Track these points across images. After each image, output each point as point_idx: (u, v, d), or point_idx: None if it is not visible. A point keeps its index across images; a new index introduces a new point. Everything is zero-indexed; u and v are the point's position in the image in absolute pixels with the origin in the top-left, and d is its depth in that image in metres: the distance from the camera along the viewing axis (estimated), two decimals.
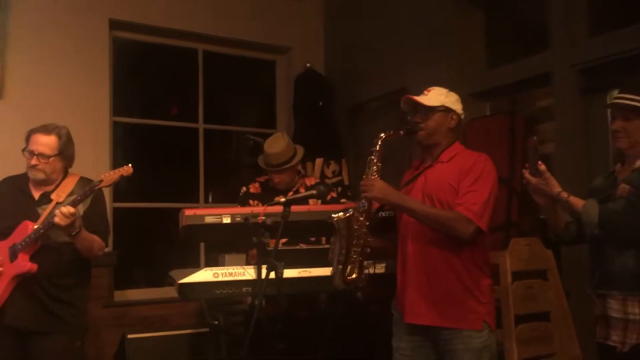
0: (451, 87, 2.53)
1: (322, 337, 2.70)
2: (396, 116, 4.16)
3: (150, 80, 4.83)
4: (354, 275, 2.30)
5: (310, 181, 3.42)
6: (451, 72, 3.75)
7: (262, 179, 3.49)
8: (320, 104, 4.66)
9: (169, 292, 4.38)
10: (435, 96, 2.41)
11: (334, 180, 4.46)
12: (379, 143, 2.38)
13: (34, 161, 2.80)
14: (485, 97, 3.78)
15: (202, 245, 4.59)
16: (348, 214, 2.29)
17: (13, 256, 2.70)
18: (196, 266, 4.44)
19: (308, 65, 4.73)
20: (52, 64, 3.98)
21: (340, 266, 2.29)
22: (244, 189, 3.39)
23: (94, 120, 4.11)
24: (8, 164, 3.03)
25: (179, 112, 4.94)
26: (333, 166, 4.54)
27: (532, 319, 2.83)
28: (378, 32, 4.44)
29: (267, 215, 2.52)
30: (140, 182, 4.69)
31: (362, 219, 2.31)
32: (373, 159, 2.37)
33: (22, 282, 2.71)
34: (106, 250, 3.96)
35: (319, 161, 4.44)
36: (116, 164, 4.14)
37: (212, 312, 3.92)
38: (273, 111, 5.11)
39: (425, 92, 2.45)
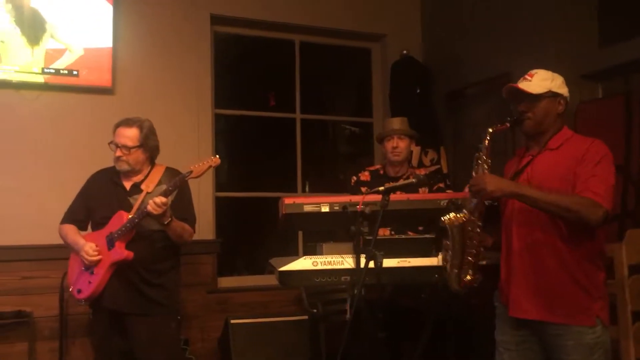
0: (560, 68, 2.36)
1: (422, 327, 2.64)
2: (498, 102, 3.99)
3: (247, 72, 4.94)
4: (468, 277, 2.24)
5: (420, 172, 3.37)
6: (559, 52, 3.53)
7: (372, 167, 3.50)
8: (418, 91, 4.55)
9: (269, 279, 4.47)
10: (540, 82, 2.26)
11: (432, 168, 4.34)
12: (487, 138, 2.27)
13: (117, 153, 2.96)
14: (597, 78, 3.52)
15: (301, 233, 4.65)
16: (461, 218, 2.21)
17: (110, 244, 2.87)
18: (295, 255, 4.55)
19: (404, 52, 4.63)
20: (158, 60, 4.17)
21: (456, 270, 2.24)
22: (354, 178, 3.41)
23: (197, 112, 4.26)
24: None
25: (276, 103, 5.03)
26: (431, 154, 4.43)
27: None
28: (478, 13, 4.27)
29: (366, 204, 2.48)
30: (241, 172, 4.83)
31: (474, 218, 2.22)
32: (481, 155, 2.26)
33: (119, 268, 2.88)
34: (209, 238, 4.17)
35: (416, 149, 4.34)
36: (219, 155, 4.26)
37: (311, 300, 3.98)
38: (369, 100, 5.07)
39: (528, 76, 2.30)
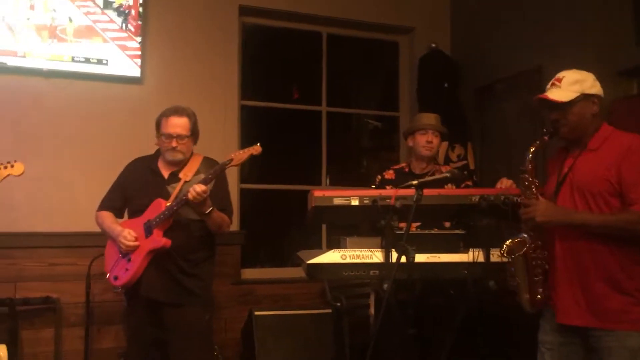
0: (595, 64, 2.32)
1: (451, 325, 2.62)
2: (528, 97, 3.95)
3: (273, 64, 4.92)
4: (539, 297, 2.26)
5: (445, 169, 3.33)
6: (595, 48, 3.45)
7: (396, 166, 3.46)
8: (446, 85, 4.50)
9: (292, 272, 4.48)
10: (569, 86, 2.21)
11: (459, 164, 4.31)
12: (530, 158, 2.25)
13: (174, 143, 2.92)
14: (633, 74, 3.44)
15: (324, 227, 4.63)
16: (520, 245, 2.22)
17: (148, 232, 2.86)
18: (318, 248, 4.54)
19: (433, 45, 4.58)
20: (186, 50, 4.17)
21: (527, 295, 2.25)
22: (379, 177, 3.37)
23: (224, 104, 4.25)
24: (146, 145, 3.21)
25: (301, 96, 5.01)
26: (458, 150, 4.38)
27: None
28: (510, 6, 4.20)
29: (397, 198, 2.46)
30: (265, 164, 4.82)
31: (531, 240, 2.23)
32: (527, 177, 2.24)
33: (156, 256, 2.86)
34: (234, 229, 4.17)
35: (443, 144, 4.28)
36: (243, 146, 4.26)
37: (334, 293, 3.96)
38: (396, 94, 5.02)
39: (556, 82, 2.25)
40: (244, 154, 2.79)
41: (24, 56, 3.71)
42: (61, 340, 3.70)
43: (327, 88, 4.78)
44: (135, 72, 3.94)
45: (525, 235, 2.24)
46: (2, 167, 2.50)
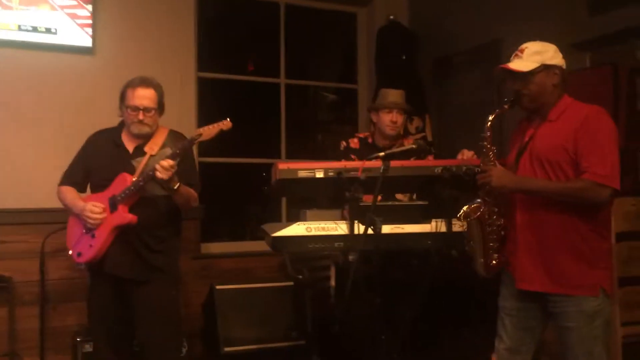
0: (549, 37, 2.36)
1: (415, 295, 2.67)
2: (486, 69, 4.00)
3: (230, 35, 4.82)
4: (494, 262, 2.30)
5: (408, 142, 3.35)
6: (549, 20, 3.52)
7: (361, 135, 3.45)
8: (404, 57, 4.51)
9: (252, 245, 4.48)
10: (530, 56, 2.26)
11: (417, 136, 4.34)
12: (489, 125, 2.29)
13: (140, 116, 2.81)
14: (586, 47, 3.53)
15: (284, 200, 4.63)
16: (476, 209, 2.27)
17: (113, 207, 2.77)
18: (278, 221, 4.54)
19: (391, 17, 4.57)
20: (140, 19, 4.02)
21: (482, 259, 2.30)
22: (344, 143, 3.36)
23: (180, 75, 4.14)
24: (99, 118, 3.12)
25: (258, 68, 4.93)
26: (416, 122, 4.42)
27: (637, 282, 2.69)
28: None
29: (362, 170, 2.47)
30: (224, 137, 4.75)
31: (488, 206, 2.27)
32: (486, 144, 2.28)
33: (121, 232, 2.78)
34: None
35: None
36: (200, 119, 4.19)
37: (296, 266, 3.98)
38: (354, 66, 5.01)
39: (518, 52, 2.30)
40: (213, 129, 2.72)
41: None
42: (15, 319, 3.59)
43: (285, 60, 4.72)
44: (87, 41, 3.78)
45: (480, 201, 2.29)
46: None
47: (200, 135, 2.69)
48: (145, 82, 2.85)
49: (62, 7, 3.71)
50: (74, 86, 3.81)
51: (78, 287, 3.61)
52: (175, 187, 2.71)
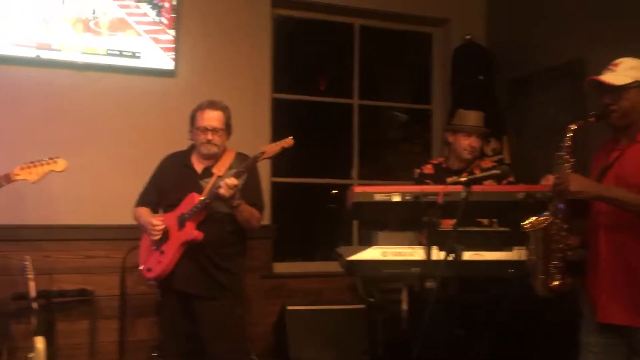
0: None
1: (493, 325, 2.57)
2: (568, 90, 3.85)
3: (304, 56, 4.87)
4: (556, 283, 2.18)
5: (486, 164, 3.27)
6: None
7: (435, 160, 3.42)
8: (481, 77, 4.41)
9: (323, 266, 4.47)
10: (625, 71, 2.15)
11: (494, 158, 4.21)
12: (570, 135, 2.18)
13: (209, 136, 2.94)
14: None
15: (356, 222, 4.59)
16: (543, 221, 2.15)
17: (181, 225, 2.88)
18: (349, 242, 4.51)
19: (468, 37, 4.49)
20: (219, 43, 4.13)
21: (542, 276, 2.19)
22: (417, 170, 3.33)
23: (256, 97, 4.21)
24: (179, 139, 3.21)
25: (331, 88, 4.95)
26: (493, 144, 4.28)
27: None
28: None
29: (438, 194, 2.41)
30: (296, 157, 4.79)
31: (559, 221, 2.15)
32: (563, 155, 2.18)
33: (189, 249, 2.88)
34: (265, 223, 4.15)
35: None
36: (274, 139, 4.22)
37: (367, 289, 3.92)
38: (428, 86, 4.94)
39: (612, 66, 2.19)
40: (275, 147, 2.80)
41: (58, 49, 3.71)
42: (97, 332, 3.72)
43: (359, 81, 4.71)
44: (169, 65, 3.92)
45: (549, 214, 2.17)
46: (44, 162, 2.50)
47: (264, 153, 2.77)
48: (213, 104, 3.00)
49: (147, 32, 3.87)
50: (155, 108, 3.95)
51: (155, 303, 3.70)
52: (235, 204, 2.77)
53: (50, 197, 3.68)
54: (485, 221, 3.12)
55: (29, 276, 3.28)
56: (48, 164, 2.50)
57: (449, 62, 4.61)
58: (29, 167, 2.48)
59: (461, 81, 4.50)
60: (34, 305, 3.27)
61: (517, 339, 2.79)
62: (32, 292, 3.27)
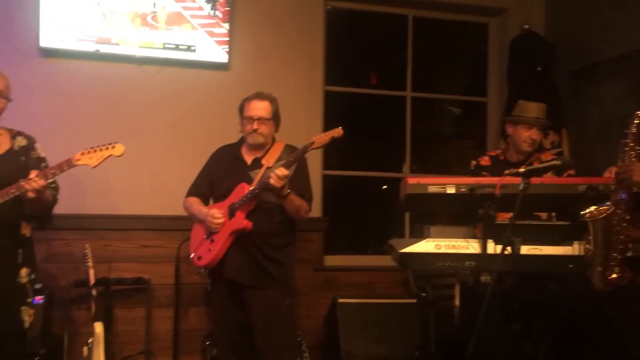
0: None
1: (553, 322, 2.48)
2: (634, 79, 3.68)
3: (357, 48, 4.84)
4: (614, 275, 2.11)
5: (546, 156, 3.17)
6: None
7: (492, 152, 3.34)
8: (539, 68, 4.27)
9: (374, 259, 4.44)
10: None
11: (554, 152, 4.08)
12: (636, 122, 2.09)
13: (255, 125, 3.00)
14: None
15: (407, 215, 4.54)
16: (604, 211, 2.07)
17: (231, 214, 2.93)
18: (401, 236, 4.46)
19: (526, 26, 4.35)
20: (272, 36, 4.15)
21: (600, 268, 2.12)
22: (474, 162, 3.27)
23: (308, 89, 4.22)
24: (232, 131, 3.24)
25: (383, 80, 4.90)
26: (552, 137, 4.15)
27: None
28: None
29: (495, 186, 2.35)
30: (347, 150, 4.77)
31: (620, 211, 2.05)
32: (628, 142, 2.10)
33: (239, 239, 2.92)
34: (317, 216, 4.16)
35: None
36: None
37: (419, 283, 3.88)
38: (483, 78, 4.83)
39: None
40: (325, 137, 2.80)
41: (117, 44, 3.81)
42: (152, 319, 3.81)
43: (412, 73, 4.65)
44: (223, 58, 3.96)
45: (610, 204, 2.10)
46: (103, 148, 2.58)
47: (313, 143, 2.78)
48: (260, 95, 3.06)
49: (202, 26, 3.92)
50: (209, 100, 4.00)
51: (206, 292, 3.76)
52: (285, 194, 2.79)
53: (111, 188, 3.80)
54: (543, 215, 3.03)
55: (89, 264, 3.40)
56: (107, 149, 2.58)
57: (505, 53, 4.48)
58: (89, 152, 2.56)
59: (519, 73, 4.37)
60: (94, 292, 3.38)
61: (578, 337, 2.69)
62: (92, 280, 3.39)
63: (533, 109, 3.17)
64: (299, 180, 2.99)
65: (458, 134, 5.33)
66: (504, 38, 4.59)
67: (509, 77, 4.45)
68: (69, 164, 2.54)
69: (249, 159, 3.09)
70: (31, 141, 2.78)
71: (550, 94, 4.24)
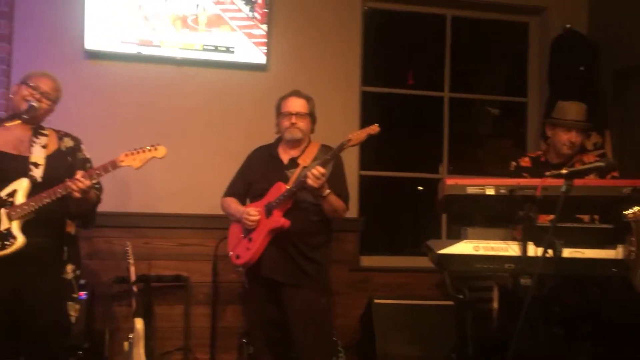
0: None
1: (595, 327, 2.43)
2: None
3: (394, 49, 4.82)
4: None
5: (588, 158, 3.10)
6: None
7: (533, 154, 3.28)
8: (582, 68, 4.19)
9: (410, 260, 4.42)
10: None
11: (596, 153, 3.99)
12: None
13: (293, 119, 3.03)
14: None
15: (444, 216, 4.50)
16: None
17: (268, 213, 2.95)
18: (437, 237, 4.42)
19: (568, 25, 4.27)
20: (310, 37, 4.18)
21: None
22: (514, 163, 3.21)
23: (345, 90, 4.23)
24: (269, 131, 3.28)
25: (419, 80, 4.87)
26: (594, 138, 4.06)
27: None
28: None
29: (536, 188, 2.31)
30: (384, 150, 4.76)
31: None
32: None
33: (276, 238, 2.94)
34: (353, 216, 4.16)
35: None
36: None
37: (456, 285, 3.84)
38: (523, 78, 4.75)
39: None
40: (361, 134, 2.82)
41: (159, 45, 3.89)
42: (191, 316, 3.87)
43: (450, 73, 4.61)
44: (261, 59, 4.00)
45: None
46: (146, 149, 2.64)
47: (350, 140, 2.79)
48: (297, 93, 3.12)
49: (241, 28, 3.97)
50: (248, 101, 4.05)
51: (243, 290, 3.81)
52: (324, 194, 2.81)
53: (152, 187, 3.88)
54: (585, 217, 2.97)
55: (130, 261, 3.48)
56: (150, 150, 2.64)
57: (546, 53, 4.41)
58: (132, 154, 2.63)
59: (560, 73, 4.30)
60: (134, 288, 3.46)
61: (620, 342, 2.62)
62: (132, 276, 3.47)
63: (572, 111, 3.09)
64: (335, 180, 3.00)
65: (497, 134, 5.26)
66: (544, 37, 4.52)
67: (550, 77, 4.37)
68: (113, 165, 2.61)
69: (285, 158, 3.12)
70: (77, 142, 2.86)
71: (592, 94, 4.15)
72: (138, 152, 2.63)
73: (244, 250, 3.00)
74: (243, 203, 3.20)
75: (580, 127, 3.03)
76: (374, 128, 2.80)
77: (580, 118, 3.06)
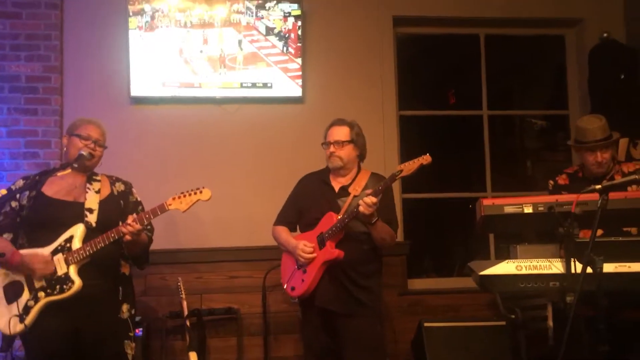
0: None
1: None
2: None
3: (428, 71, 4.86)
4: None
5: (628, 167, 3.03)
6: None
7: (569, 170, 3.22)
8: (622, 76, 4.11)
9: (459, 282, 4.37)
10: None
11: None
12: None
13: (331, 149, 3.08)
14: None
15: (492, 235, 4.45)
16: None
17: (321, 244, 2.98)
18: (485, 256, 4.37)
19: (605, 34, 4.21)
20: (343, 66, 4.27)
21: None
22: (551, 182, 3.16)
23: (382, 116, 4.27)
24: (309, 161, 3.37)
25: (458, 100, 4.88)
26: None
27: None
28: None
29: (578, 204, 2.29)
30: (427, 172, 4.76)
31: None
32: None
33: (330, 268, 2.96)
34: (398, 240, 4.16)
35: (623, 141, 3.90)
36: (403, 156, 4.26)
37: (507, 304, 3.77)
38: (563, 91, 4.69)
39: None
40: (413, 165, 2.82)
41: (199, 87, 4.06)
42: (243, 348, 3.94)
43: (487, 91, 4.60)
44: (297, 92, 4.11)
45: None
46: (192, 193, 2.75)
47: (401, 171, 2.79)
48: (340, 121, 3.17)
49: (276, 63, 4.10)
50: (287, 133, 4.16)
51: (295, 320, 3.85)
52: (373, 222, 2.83)
53: (200, 222, 4.00)
54: (633, 230, 2.89)
55: (182, 295, 3.59)
56: (195, 193, 2.75)
57: (585, 64, 4.35)
58: (179, 197, 2.74)
59: (601, 82, 4.22)
60: (187, 322, 3.56)
61: None
62: (185, 311, 3.57)
63: (590, 131, 2.98)
64: (385, 208, 3.01)
65: (544, 147, 5.19)
66: (582, 48, 4.47)
67: (590, 88, 4.30)
68: (162, 209, 2.73)
69: (336, 186, 3.16)
70: (128, 186, 3.01)
71: (636, 101, 4.07)
72: (185, 196, 2.73)
73: (298, 282, 3.04)
74: (294, 230, 3.25)
75: (601, 146, 2.95)
76: (427, 158, 2.80)
77: (600, 136, 2.96)
